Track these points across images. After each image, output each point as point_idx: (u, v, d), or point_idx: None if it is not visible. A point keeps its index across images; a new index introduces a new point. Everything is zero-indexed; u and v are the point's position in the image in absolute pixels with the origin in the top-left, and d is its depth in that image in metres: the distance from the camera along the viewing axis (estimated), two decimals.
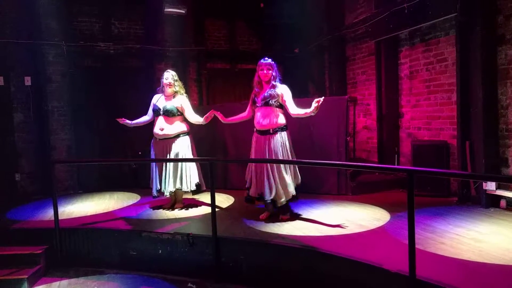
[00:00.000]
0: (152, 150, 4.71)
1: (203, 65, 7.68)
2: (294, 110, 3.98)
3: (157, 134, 4.59)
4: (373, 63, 6.37)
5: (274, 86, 4.03)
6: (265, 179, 3.96)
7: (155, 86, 4.78)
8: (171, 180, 4.56)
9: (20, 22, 6.16)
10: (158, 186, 4.62)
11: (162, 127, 4.55)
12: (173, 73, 4.68)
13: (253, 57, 7.91)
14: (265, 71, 4.04)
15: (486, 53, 4.33)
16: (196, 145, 4.84)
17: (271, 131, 3.98)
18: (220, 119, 4.30)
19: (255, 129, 4.12)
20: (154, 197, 4.71)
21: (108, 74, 6.84)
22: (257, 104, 4.06)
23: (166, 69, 4.81)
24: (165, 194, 4.60)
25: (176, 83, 4.64)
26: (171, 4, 6.59)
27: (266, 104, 3.98)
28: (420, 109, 5.58)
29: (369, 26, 6.23)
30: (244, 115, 4.32)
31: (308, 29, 7.59)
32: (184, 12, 6.75)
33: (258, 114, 4.05)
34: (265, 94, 4.01)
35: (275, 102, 3.99)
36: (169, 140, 4.59)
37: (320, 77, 7.79)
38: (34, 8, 6.13)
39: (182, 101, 4.64)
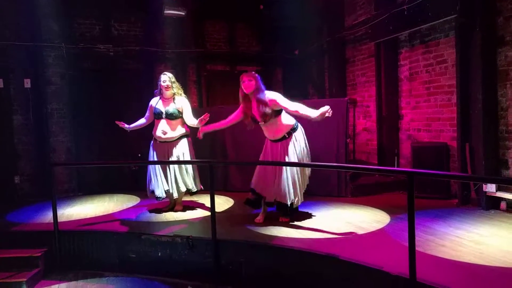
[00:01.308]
0: (151, 152, 4.69)
1: (203, 67, 7.68)
2: (293, 107, 3.83)
3: (159, 137, 4.58)
4: (373, 65, 6.37)
5: (262, 102, 3.86)
6: (284, 183, 3.92)
7: (154, 88, 4.77)
8: (179, 181, 4.59)
9: (20, 24, 6.17)
10: (166, 187, 4.56)
11: (164, 130, 4.55)
12: (170, 75, 4.66)
13: (253, 59, 7.97)
14: (246, 82, 3.92)
15: (486, 55, 4.33)
16: (195, 147, 4.83)
17: (286, 136, 3.99)
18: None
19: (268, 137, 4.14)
20: (158, 199, 4.61)
21: (108, 76, 6.84)
22: (260, 123, 3.99)
23: (164, 72, 4.80)
24: (174, 195, 4.60)
25: (173, 85, 4.62)
26: (170, 6, 6.59)
27: (269, 120, 3.93)
28: (420, 111, 5.58)
29: (368, 28, 6.23)
30: (224, 122, 4.25)
31: (307, 31, 7.60)
32: (183, 14, 6.75)
33: (266, 130, 4.06)
34: (262, 112, 3.86)
35: (274, 116, 3.92)
36: (171, 143, 4.60)
37: (319, 79, 7.79)
38: (34, 10, 6.13)
39: (182, 103, 4.62)
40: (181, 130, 4.62)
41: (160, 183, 4.56)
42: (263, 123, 3.97)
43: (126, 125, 4.68)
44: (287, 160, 3.96)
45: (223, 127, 4.38)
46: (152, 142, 4.71)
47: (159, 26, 7.06)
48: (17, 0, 6.10)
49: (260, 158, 4.20)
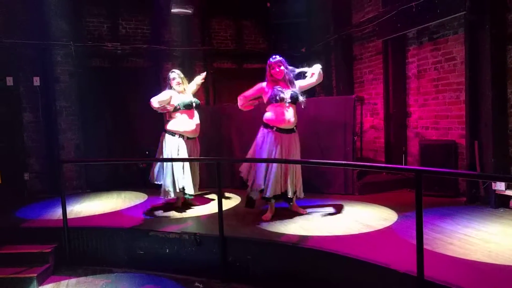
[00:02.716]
0: (174, 149, 4.54)
1: (210, 65, 7.69)
2: (308, 80, 4.17)
3: (193, 131, 4.59)
4: (381, 62, 6.33)
5: (292, 83, 4.11)
6: (291, 177, 4.08)
7: (162, 85, 4.81)
8: (196, 177, 4.73)
9: (30, 23, 6.22)
10: (182, 185, 4.53)
11: (198, 122, 4.63)
12: (178, 71, 4.71)
13: (259, 56, 7.94)
14: (277, 69, 4.06)
15: (495, 52, 4.28)
16: (203, 144, 4.89)
17: (294, 129, 4.14)
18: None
19: (274, 128, 4.03)
20: (187, 196, 4.61)
21: (116, 74, 6.88)
22: (286, 101, 4.00)
23: (172, 70, 4.83)
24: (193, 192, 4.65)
25: (183, 81, 4.69)
26: (178, 4, 6.61)
27: (294, 102, 4.06)
28: (428, 109, 5.54)
29: (376, 25, 6.19)
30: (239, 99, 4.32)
31: (315, 28, 7.57)
32: (190, 12, 6.76)
33: (285, 112, 4.01)
34: (292, 93, 4.04)
35: (296, 100, 4.07)
36: (194, 139, 4.71)
37: (326, 76, 7.69)
38: (44, 9, 6.19)
39: (192, 90, 4.80)
40: None
41: (178, 181, 4.53)
42: (290, 101, 4.03)
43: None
44: (298, 152, 4.15)
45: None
46: (171, 137, 4.55)
47: (166, 24, 7.09)
48: None
49: (267, 153, 4.04)
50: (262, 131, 4.13)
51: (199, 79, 4.89)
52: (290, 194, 4.08)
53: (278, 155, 4.00)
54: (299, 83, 4.18)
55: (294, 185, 4.12)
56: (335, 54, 7.48)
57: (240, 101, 4.29)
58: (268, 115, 4.08)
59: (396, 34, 5.77)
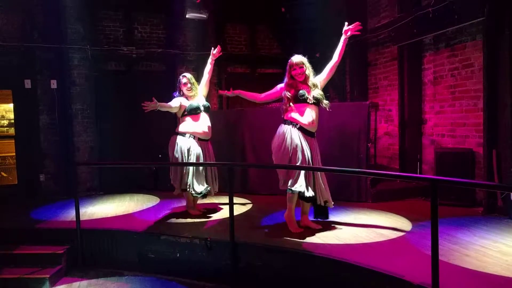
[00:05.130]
0: (185, 150, 4.48)
1: (224, 69, 7.72)
2: (328, 68, 4.00)
3: (204, 133, 4.55)
4: (396, 68, 6.25)
5: (315, 86, 3.85)
6: (324, 182, 3.91)
7: (176, 89, 4.80)
8: (216, 180, 4.68)
9: (48, 26, 6.35)
10: (205, 186, 4.50)
11: (209, 125, 4.61)
12: (190, 75, 4.67)
13: (273, 61, 7.96)
14: (299, 71, 3.81)
15: None
16: (215, 149, 4.87)
17: (315, 134, 3.91)
18: (229, 93, 4.20)
19: (298, 125, 3.76)
20: (204, 196, 4.57)
21: (131, 77, 6.97)
22: (309, 101, 3.76)
23: (183, 74, 4.82)
24: (211, 193, 4.61)
25: (193, 86, 4.64)
26: (193, 9, 6.66)
27: (317, 104, 3.83)
28: (444, 116, 5.44)
29: (392, 31, 6.13)
30: (258, 96, 4.14)
31: (329, 34, 7.49)
32: (205, 16, 6.81)
33: (309, 112, 3.77)
34: (315, 95, 3.80)
35: (324, 104, 3.87)
36: (207, 141, 4.66)
37: (341, 82, 7.70)
38: (61, 13, 6.31)
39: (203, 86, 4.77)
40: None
41: (200, 182, 4.49)
42: (313, 101, 3.78)
43: (155, 102, 4.29)
44: (319, 157, 3.92)
45: (253, 99, 4.19)
46: (183, 137, 4.51)
47: (181, 29, 7.14)
48: (45, 3, 6.30)
49: (301, 158, 3.71)
50: (283, 127, 3.79)
51: (208, 67, 4.78)
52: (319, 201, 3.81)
53: (305, 153, 3.72)
54: (320, 79, 3.96)
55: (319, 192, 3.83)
56: (349, 60, 7.42)
57: (258, 101, 4.18)
58: (291, 114, 3.79)
59: (412, 40, 5.70)
